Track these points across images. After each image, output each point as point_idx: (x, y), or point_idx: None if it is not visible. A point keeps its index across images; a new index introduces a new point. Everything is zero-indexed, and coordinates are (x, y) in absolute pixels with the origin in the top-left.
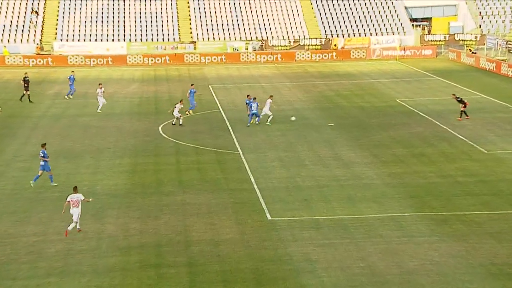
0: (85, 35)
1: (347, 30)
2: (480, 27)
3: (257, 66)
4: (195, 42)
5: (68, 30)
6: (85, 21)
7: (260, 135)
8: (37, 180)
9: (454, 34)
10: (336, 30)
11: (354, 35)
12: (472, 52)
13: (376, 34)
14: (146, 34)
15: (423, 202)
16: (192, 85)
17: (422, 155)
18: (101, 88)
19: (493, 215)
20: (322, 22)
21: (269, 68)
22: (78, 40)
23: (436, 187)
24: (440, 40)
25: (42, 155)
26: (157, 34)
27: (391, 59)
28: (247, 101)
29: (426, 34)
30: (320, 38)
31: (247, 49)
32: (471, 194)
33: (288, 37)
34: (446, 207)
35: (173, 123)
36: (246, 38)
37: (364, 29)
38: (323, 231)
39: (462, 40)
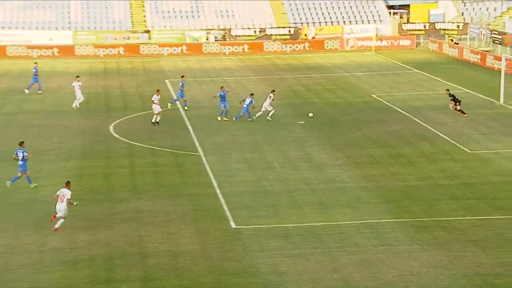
0: (23, 22)
1: (318, 18)
2: (462, 14)
3: (220, 58)
4: (149, 31)
5: (3, 17)
6: (24, 6)
7: (223, 134)
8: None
9: (435, 22)
10: (306, 18)
11: (326, 24)
12: (454, 43)
13: (350, 23)
14: (95, 22)
15: (401, 207)
16: (182, 76)
17: (400, 156)
18: (78, 81)
19: (477, 221)
20: (291, 9)
21: (233, 60)
22: (16, 28)
23: (415, 191)
24: (419, 30)
25: (19, 155)
26: (107, 22)
27: (367, 50)
28: (221, 93)
29: (404, 23)
30: (289, 27)
31: (207, 39)
32: (454, 198)
33: (254, 25)
34: (427, 212)
35: (156, 120)
36: (206, 27)
37: (337, 17)
38: (293, 240)
39: (443, 29)
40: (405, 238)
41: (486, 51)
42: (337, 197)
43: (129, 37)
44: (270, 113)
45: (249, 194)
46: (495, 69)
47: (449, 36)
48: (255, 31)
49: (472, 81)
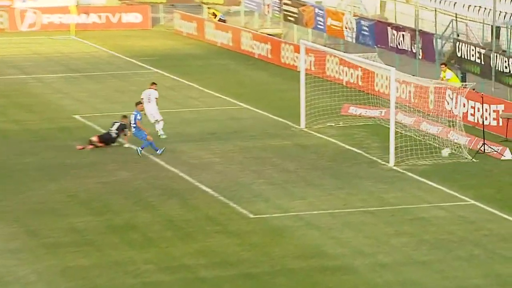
0: None
1: None
2: None
3: None
4: None
5: None
6: None
7: None
8: None
9: None
10: None
11: None
12: (219, 20)
13: None
14: None
15: None
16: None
17: (131, 227)
18: None
19: None
20: None
21: None
22: None
23: None
24: None
25: None
26: None
27: (62, 31)
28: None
29: None
30: None
31: None
32: None
33: None
34: None
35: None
36: None
37: None
38: None
39: None
40: None
41: (275, 34)
42: None
43: None
44: (160, 126)
45: None
46: (295, 67)
47: (210, 9)
48: None
49: (255, 90)
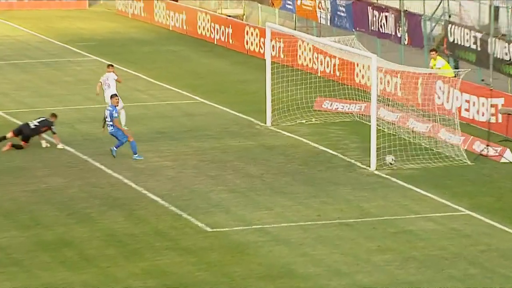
0: None
1: None
2: None
3: None
4: None
5: None
6: None
7: None
8: None
9: None
10: None
11: None
12: None
13: None
14: None
15: None
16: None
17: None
18: None
19: None
20: None
21: None
22: None
23: None
24: None
25: None
26: None
27: None
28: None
29: None
30: None
31: None
32: None
33: None
34: None
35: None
36: None
37: None
38: None
39: None
40: None
41: (235, 16)
42: None
43: None
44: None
45: None
46: (262, 56)
47: None
48: None
49: (213, 81)
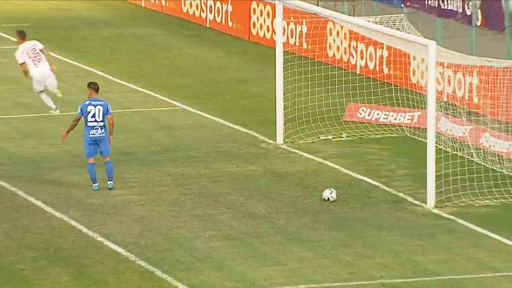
0: None
1: None
2: None
3: None
4: None
5: None
6: None
7: None
8: None
9: None
10: None
11: None
12: None
13: None
14: None
15: None
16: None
17: None
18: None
19: None
20: None
21: None
22: None
23: None
24: None
25: None
26: None
27: None
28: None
29: None
30: None
31: None
32: None
33: None
34: None
35: None
36: None
37: None
38: None
39: None
40: None
41: None
42: None
43: None
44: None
45: None
46: (271, 44)
47: None
48: None
49: (201, 79)
